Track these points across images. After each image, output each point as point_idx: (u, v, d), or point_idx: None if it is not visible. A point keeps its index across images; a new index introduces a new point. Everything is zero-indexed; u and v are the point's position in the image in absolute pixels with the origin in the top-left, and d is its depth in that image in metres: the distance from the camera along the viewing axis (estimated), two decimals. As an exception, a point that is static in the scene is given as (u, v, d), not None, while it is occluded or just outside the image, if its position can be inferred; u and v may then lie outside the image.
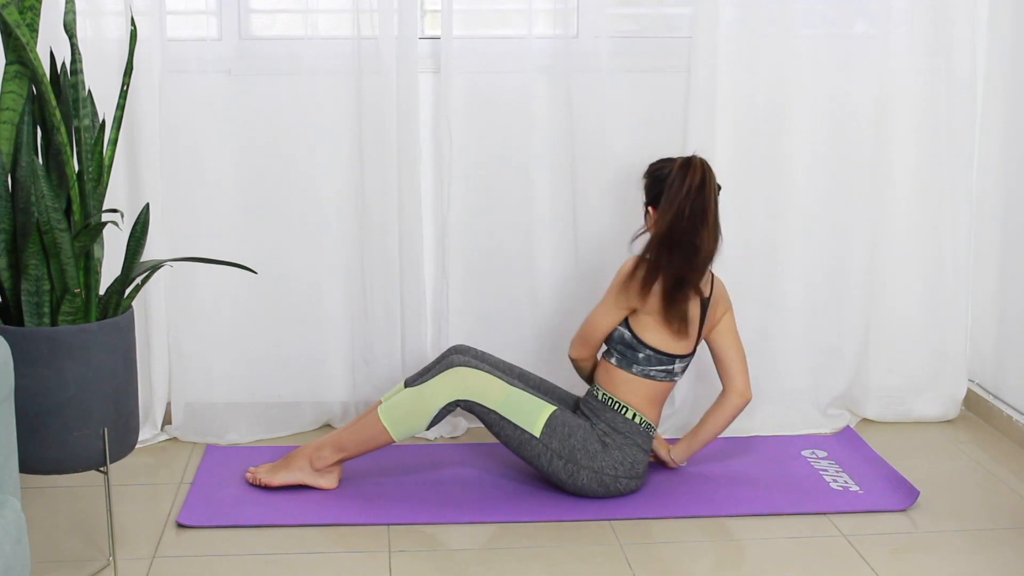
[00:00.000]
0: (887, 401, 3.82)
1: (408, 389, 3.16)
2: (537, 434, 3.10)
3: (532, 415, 3.10)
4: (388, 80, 3.48)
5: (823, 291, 3.68)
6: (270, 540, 2.97)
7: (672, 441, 3.46)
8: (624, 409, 3.16)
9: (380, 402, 3.25)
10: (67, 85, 2.69)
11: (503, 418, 3.11)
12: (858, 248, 3.49)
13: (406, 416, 3.13)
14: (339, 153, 3.56)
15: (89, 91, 2.73)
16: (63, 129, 2.60)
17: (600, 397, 3.19)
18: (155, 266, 2.80)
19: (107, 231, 3.03)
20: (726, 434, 3.48)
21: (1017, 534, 3.02)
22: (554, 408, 3.13)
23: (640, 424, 3.17)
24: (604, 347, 3.24)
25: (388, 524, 3.05)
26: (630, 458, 3.15)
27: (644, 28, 3.73)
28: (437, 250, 3.64)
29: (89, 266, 2.70)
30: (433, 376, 3.14)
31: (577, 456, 3.11)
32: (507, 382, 3.12)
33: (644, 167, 3.26)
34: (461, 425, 3.67)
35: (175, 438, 3.62)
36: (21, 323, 2.66)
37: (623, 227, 3.43)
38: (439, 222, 3.62)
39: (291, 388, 3.64)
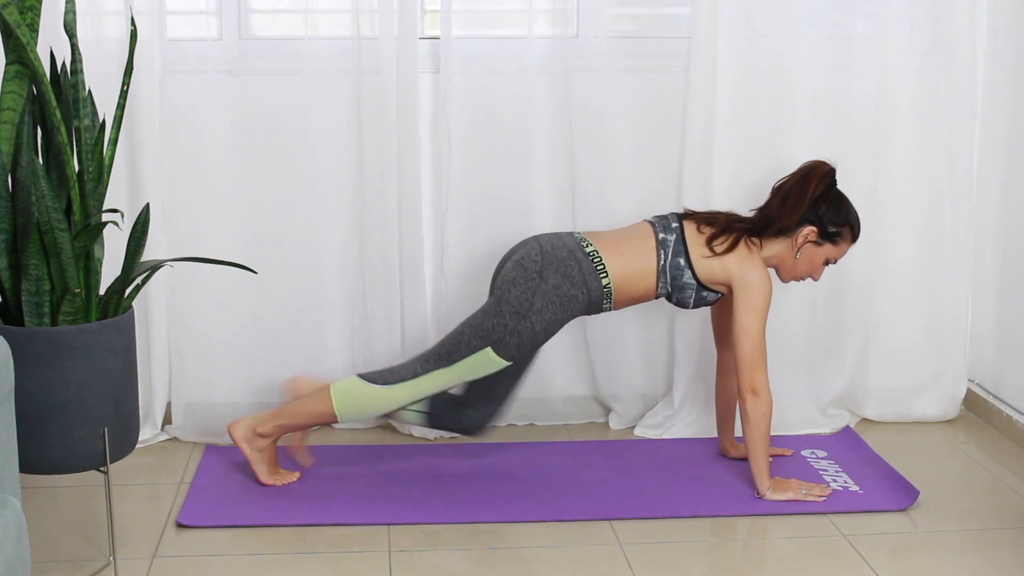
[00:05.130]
0: (887, 401, 3.82)
1: (368, 390, 3.16)
2: (500, 363, 3.12)
3: (481, 361, 3.12)
4: (388, 80, 3.48)
5: (823, 290, 3.68)
6: (270, 540, 2.97)
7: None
8: (602, 268, 3.14)
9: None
10: (67, 85, 2.69)
11: (473, 381, 3.18)
12: (858, 247, 3.49)
13: (358, 406, 3.18)
14: (339, 153, 3.56)
15: (89, 91, 2.73)
16: (63, 129, 2.60)
17: (588, 250, 3.15)
18: (155, 266, 2.80)
19: (107, 231, 3.03)
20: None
21: (1017, 534, 3.02)
22: (488, 348, 3.11)
23: (604, 286, 3.14)
24: (662, 286, 3.20)
25: (388, 524, 3.05)
26: (564, 290, 3.11)
27: (644, 28, 3.73)
28: (437, 250, 3.64)
29: (89, 266, 2.70)
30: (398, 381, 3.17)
31: (524, 306, 3.10)
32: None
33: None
34: (461, 425, 3.68)
35: (175, 438, 3.62)
36: (21, 323, 2.66)
37: (622, 226, 3.42)
38: (439, 222, 3.62)
39: (291, 388, 3.65)
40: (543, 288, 3.10)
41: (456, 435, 3.63)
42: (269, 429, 3.23)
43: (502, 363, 3.13)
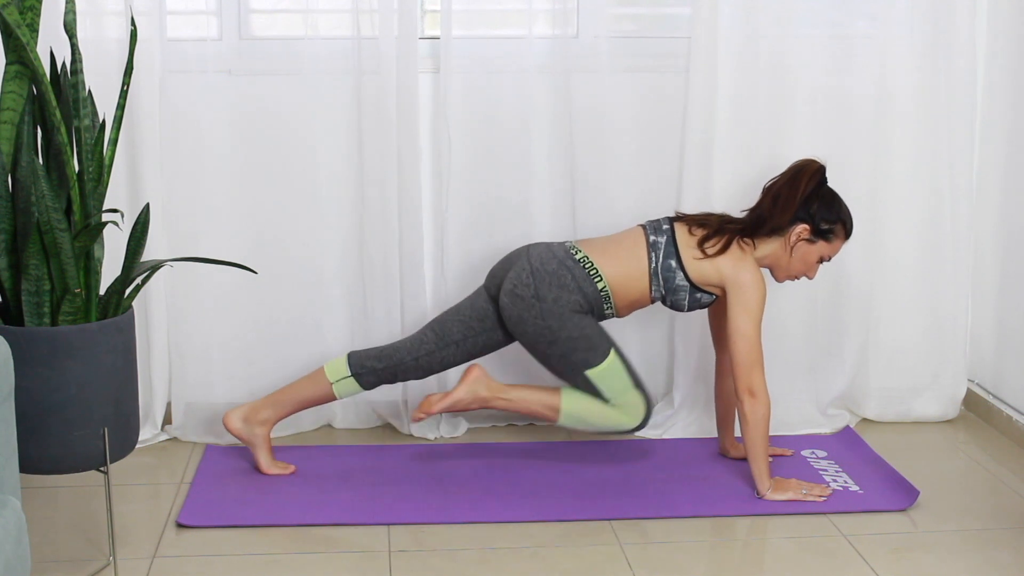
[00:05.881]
0: (887, 401, 3.81)
1: (597, 404, 3.19)
2: (609, 364, 3.16)
3: (602, 377, 3.16)
4: (388, 80, 3.48)
5: (823, 290, 3.68)
6: (270, 540, 2.97)
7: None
8: (594, 273, 3.15)
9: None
10: (67, 85, 2.69)
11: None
12: (858, 247, 3.49)
13: (583, 416, 3.21)
14: (339, 153, 3.56)
15: (89, 91, 2.73)
16: (63, 129, 2.60)
17: (578, 257, 3.17)
18: (155, 266, 2.80)
19: (107, 231, 3.03)
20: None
21: (1017, 534, 3.02)
22: (585, 373, 3.16)
23: (600, 290, 3.16)
24: (654, 288, 3.21)
25: (388, 524, 3.05)
26: (564, 299, 3.14)
27: (644, 28, 3.73)
28: (437, 250, 3.64)
29: (89, 266, 2.70)
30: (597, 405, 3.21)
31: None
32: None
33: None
34: (461, 425, 3.67)
35: (175, 438, 3.62)
36: (21, 323, 2.66)
37: (622, 227, 3.43)
38: (439, 222, 3.62)
39: (291, 388, 3.64)
40: (546, 307, 3.11)
41: (456, 435, 3.64)
42: (500, 403, 3.24)
43: (609, 362, 3.16)
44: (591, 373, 3.15)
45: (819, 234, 3.19)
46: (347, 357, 3.33)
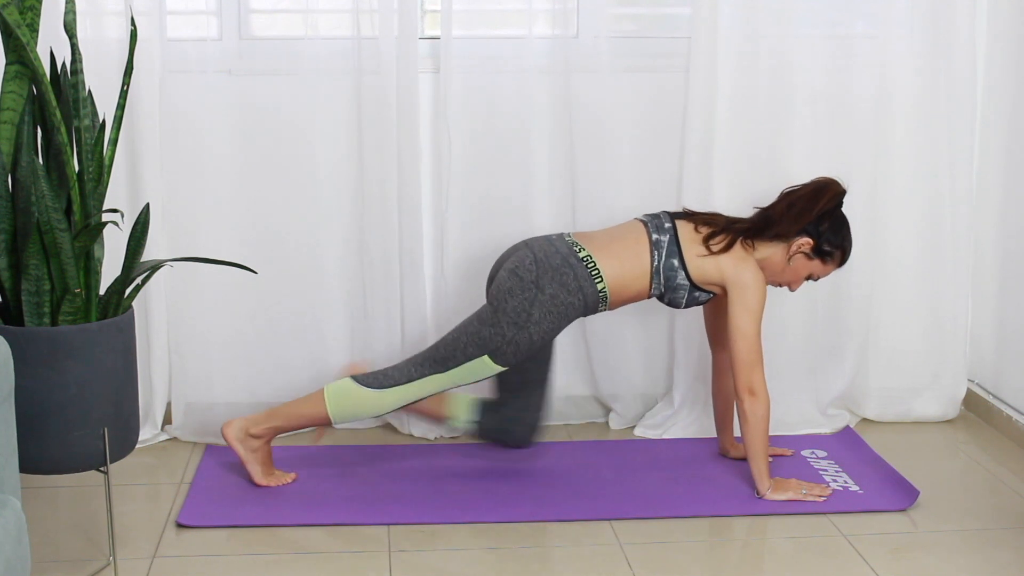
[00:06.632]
0: (887, 401, 3.82)
1: (359, 391, 3.16)
2: (496, 369, 3.14)
3: (477, 367, 3.13)
4: (388, 80, 3.48)
5: (823, 291, 3.68)
6: (270, 540, 2.97)
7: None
8: (596, 273, 3.14)
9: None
10: (67, 85, 2.69)
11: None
12: (858, 247, 3.49)
13: (349, 408, 3.18)
14: (339, 153, 3.56)
15: (89, 91, 2.73)
16: (63, 129, 2.60)
17: (581, 256, 3.14)
18: (155, 266, 2.80)
19: (107, 231, 3.03)
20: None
21: (1017, 534, 3.02)
22: (485, 356, 3.12)
23: (599, 291, 3.14)
24: (654, 286, 3.20)
25: (388, 524, 3.05)
26: (561, 297, 3.11)
27: (644, 28, 3.73)
28: (437, 250, 3.64)
29: (89, 266, 2.70)
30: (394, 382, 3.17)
31: (522, 317, 3.10)
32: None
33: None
34: (461, 425, 3.68)
35: (175, 438, 3.62)
36: (21, 323, 2.66)
37: (614, 226, 3.42)
38: (439, 222, 3.62)
39: (291, 388, 3.64)
40: (540, 298, 3.10)
41: (456, 435, 3.64)
42: (262, 430, 3.23)
43: (497, 369, 3.14)
44: (484, 359, 3.11)
45: (819, 253, 3.20)
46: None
